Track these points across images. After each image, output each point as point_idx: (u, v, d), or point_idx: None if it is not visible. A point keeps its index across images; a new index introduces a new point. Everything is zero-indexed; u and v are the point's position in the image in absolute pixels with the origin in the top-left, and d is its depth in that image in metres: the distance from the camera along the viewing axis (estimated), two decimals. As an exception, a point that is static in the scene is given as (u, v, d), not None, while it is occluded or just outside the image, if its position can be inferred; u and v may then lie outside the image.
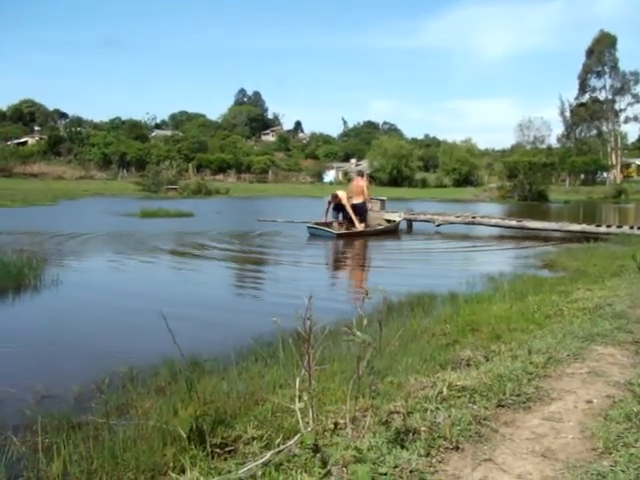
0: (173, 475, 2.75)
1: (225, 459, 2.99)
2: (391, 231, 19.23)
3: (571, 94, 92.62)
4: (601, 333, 5.18)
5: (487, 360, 4.54)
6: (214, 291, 9.32)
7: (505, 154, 76.50)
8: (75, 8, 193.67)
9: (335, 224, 17.97)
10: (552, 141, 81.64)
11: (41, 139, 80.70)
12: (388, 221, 19.59)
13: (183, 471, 2.80)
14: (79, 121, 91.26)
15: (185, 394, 3.67)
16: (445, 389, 3.60)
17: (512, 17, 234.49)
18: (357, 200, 17.86)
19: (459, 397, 3.53)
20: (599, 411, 3.39)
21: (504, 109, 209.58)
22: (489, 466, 2.73)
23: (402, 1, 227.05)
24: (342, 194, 17.97)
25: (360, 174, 19.61)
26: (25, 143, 79.30)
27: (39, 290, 8.68)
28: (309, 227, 17.83)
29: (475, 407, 3.36)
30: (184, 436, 3.08)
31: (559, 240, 17.16)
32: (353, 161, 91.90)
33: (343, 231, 17.67)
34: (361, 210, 17.98)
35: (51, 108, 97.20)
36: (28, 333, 6.63)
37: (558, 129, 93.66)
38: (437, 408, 3.32)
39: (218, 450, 3.08)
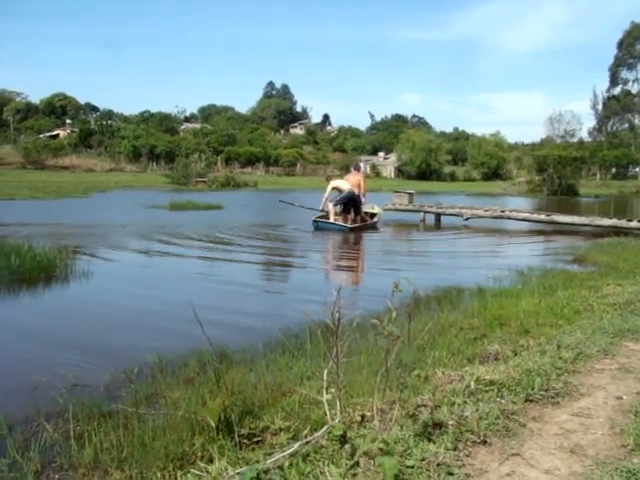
0: (201, 464, 2.77)
1: (253, 449, 3.01)
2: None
3: (603, 87, 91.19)
4: (632, 329, 5.12)
5: (515, 355, 4.51)
6: (241, 283, 9.35)
7: (535, 148, 75.73)
8: (107, 1, 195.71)
9: (349, 218, 17.72)
10: (583, 134, 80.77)
11: (72, 132, 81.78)
12: (365, 213, 19.19)
13: (211, 460, 2.83)
14: (110, 114, 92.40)
15: (214, 385, 3.70)
16: (473, 383, 3.59)
17: (542, 8, 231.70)
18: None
19: (487, 391, 3.51)
20: (629, 408, 3.35)
21: (534, 102, 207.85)
22: (517, 461, 2.72)
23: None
24: (339, 183, 17.96)
25: (357, 168, 19.67)
26: (57, 136, 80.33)
27: (70, 281, 8.80)
28: (315, 221, 17.47)
29: (503, 401, 3.35)
30: (213, 426, 3.11)
31: (589, 235, 16.95)
32: (381, 154, 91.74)
33: (356, 224, 17.46)
34: (357, 203, 17.99)
35: (82, 101, 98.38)
36: (59, 323, 6.74)
37: (589, 122, 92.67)
38: (465, 402, 3.31)
39: (246, 440, 3.11)
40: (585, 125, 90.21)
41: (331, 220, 17.33)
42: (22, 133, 76.55)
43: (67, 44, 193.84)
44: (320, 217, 17.69)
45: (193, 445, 3.09)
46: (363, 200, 18.46)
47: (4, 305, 7.66)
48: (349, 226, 17.08)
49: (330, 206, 17.51)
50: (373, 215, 19.14)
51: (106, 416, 3.74)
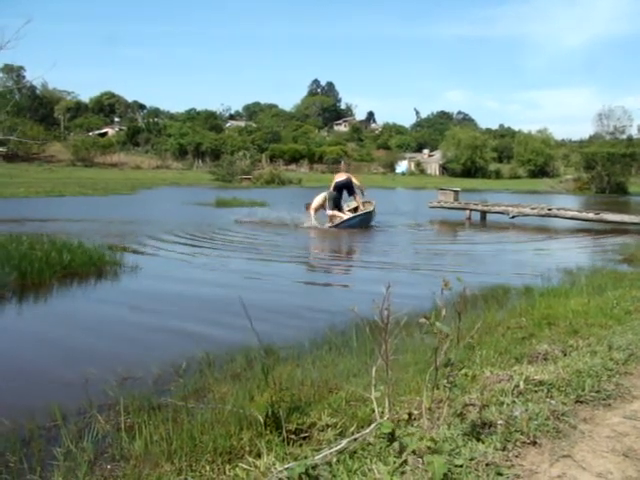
0: (250, 459, 2.80)
1: (300, 445, 3.02)
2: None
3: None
4: (686, 330, 5.00)
5: (565, 355, 4.44)
6: (288, 280, 9.38)
7: (583, 145, 74.15)
8: (156, 2, 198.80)
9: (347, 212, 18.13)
10: (633, 131, 78.66)
11: (120, 130, 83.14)
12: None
13: (259, 455, 2.85)
14: (156, 112, 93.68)
15: (261, 380, 3.73)
16: (522, 383, 3.55)
17: (591, 3, 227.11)
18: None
19: (536, 391, 3.47)
20: (684, 411, 3.28)
21: (582, 99, 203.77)
22: (567, 463, 2.68)
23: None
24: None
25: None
26: (105, 134, 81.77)
27: (119, 276, 8.96)
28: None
29: (553, 402, 3.30)
30: (261, 421, 3.14)
31: (639, 234, 16.56)
32: (426, 152, 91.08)
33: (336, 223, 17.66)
34: (350, 189, 19.18)
35: (130, 99, 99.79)
36: (108, 318, 6.86)
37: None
38: (513, 402, 3.27)
39: (293, 436, 3.12)
40: (636, 121, 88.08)
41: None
42: (72, 131, 78.23)
43: (116, 43, 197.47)
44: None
45: (241, 440, 3.12)
46: (363, 192, 19.16)
47: (58, 299, 7.84)
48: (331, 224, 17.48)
49: (318, 212, 18.12)
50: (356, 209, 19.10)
51: (156, 409, 3.81)
